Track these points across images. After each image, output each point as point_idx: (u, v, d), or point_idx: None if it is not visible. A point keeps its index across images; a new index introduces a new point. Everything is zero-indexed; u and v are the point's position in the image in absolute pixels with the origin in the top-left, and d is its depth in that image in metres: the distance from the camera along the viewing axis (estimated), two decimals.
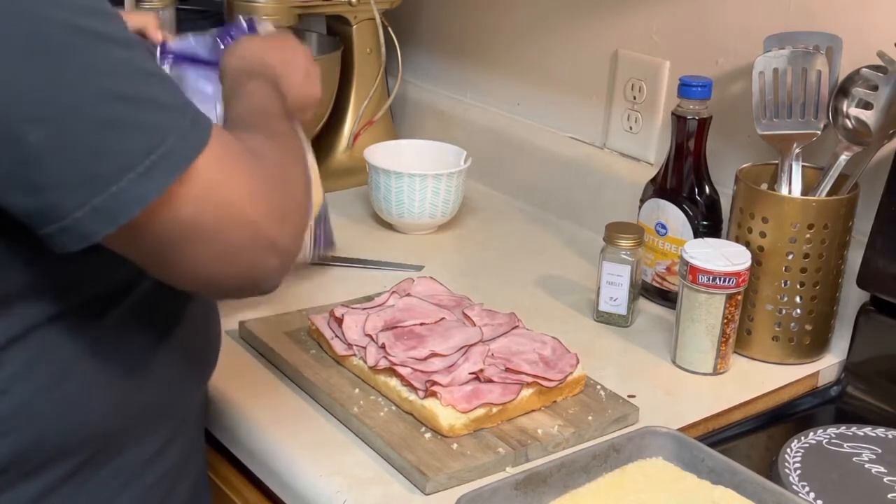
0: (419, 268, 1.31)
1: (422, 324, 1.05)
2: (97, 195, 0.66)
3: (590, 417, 0.98)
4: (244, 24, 1.13)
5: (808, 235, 1.07)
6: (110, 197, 0.66)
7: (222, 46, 1.08)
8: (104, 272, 0.78)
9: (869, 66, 1.08)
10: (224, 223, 0.72)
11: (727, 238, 1.14)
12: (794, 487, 0.90)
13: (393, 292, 1.12)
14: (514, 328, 1.06)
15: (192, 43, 1.11)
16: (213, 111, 1.09)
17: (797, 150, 1.12)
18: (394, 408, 0.97)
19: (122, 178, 0.66)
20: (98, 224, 0.67)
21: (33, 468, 0.77)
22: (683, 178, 1.20)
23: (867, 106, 1.08)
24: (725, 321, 1.07)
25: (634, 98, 1.39)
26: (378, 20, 1.60)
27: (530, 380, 0.97)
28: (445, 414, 0.93)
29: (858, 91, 1.09)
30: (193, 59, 1.10)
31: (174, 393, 0.88)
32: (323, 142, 1.59)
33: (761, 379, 1.10)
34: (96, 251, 0.70)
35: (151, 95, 0.68)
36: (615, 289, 1.17)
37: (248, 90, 0.93)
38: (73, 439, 0.79)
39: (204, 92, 1.10)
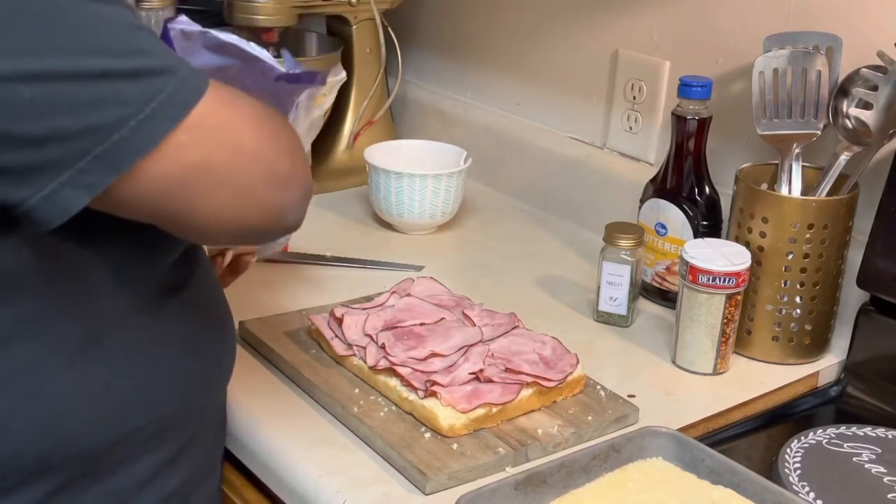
0: (419, 268, 1.31)
1: (422, 324, 1.04)
2: (98, 144, 0.65)
3: (590, 417, 0.98)
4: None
5: (808, 235, 1.07)
6: (112, 146, 0.65)
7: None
8: (95, 266, 0.76)
9: (869, 66, 1.08)
10: (236, 163, 0.72)
11: (727, 238, 1.14)
12: (794, 487, 0.90)
13: (393, 292, 1.12)
14: (514, 328, 1.06)
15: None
16: None
17: (797, 150, 1.12)
18: (394, 408, 0.97)
19: (124, 125, 0.65)
20: (101, 174, 0.66)
21: (11, 486, 0.74)
22: (683, 178, 1.20)
23: (867, 106, 1.08)
24: (725, 321, 1.07)
25: (634, 98, 1.39)
26: (378, 20, 1.60)
27: (530, 380, 0.97)
28: (445, 414, 0.93)
29: (858, 91, 1.09)
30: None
31: (177, 408, 0.84)
32: (323, 142, 1.59)
33: (761, 379, 1.10)
34: (89, 240, 0.69)
35: (143, 48, 0.68)
36: (615, 289, 1.17)
37: None
38: (55, 456, 0.75)
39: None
